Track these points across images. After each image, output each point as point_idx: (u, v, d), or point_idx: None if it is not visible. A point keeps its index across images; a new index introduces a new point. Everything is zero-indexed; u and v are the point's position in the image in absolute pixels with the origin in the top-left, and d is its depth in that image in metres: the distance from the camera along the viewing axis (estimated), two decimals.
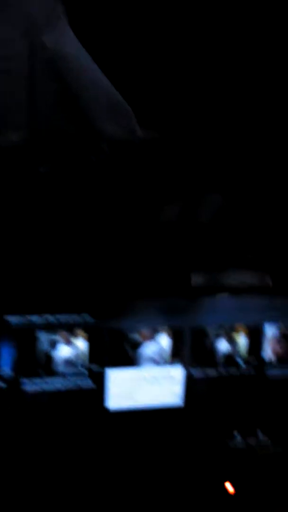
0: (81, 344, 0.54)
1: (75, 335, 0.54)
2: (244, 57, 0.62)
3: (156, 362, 0.55)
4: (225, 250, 0.59)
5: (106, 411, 0.55)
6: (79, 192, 0.58)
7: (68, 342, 0.54)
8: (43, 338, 0.53)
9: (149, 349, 0.55)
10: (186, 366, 0.56)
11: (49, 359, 0.53)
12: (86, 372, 0.54)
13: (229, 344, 0.56)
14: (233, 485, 0.60)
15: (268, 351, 0.57)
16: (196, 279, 0.57)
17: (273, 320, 0.57)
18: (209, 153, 0.62)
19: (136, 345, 0.55)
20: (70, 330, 0.53)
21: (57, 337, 0.53)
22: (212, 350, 0.56)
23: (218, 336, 0.56)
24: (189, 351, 0.56)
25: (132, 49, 0.61)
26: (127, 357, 0.55)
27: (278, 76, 0.62)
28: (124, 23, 0.61)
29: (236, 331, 0.56)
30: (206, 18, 0.61)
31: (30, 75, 0.58)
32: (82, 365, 0.54)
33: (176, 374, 0.56)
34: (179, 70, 0.62)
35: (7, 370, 0.53)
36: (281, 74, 0.62)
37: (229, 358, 0.57)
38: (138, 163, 0.60)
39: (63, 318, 0.53)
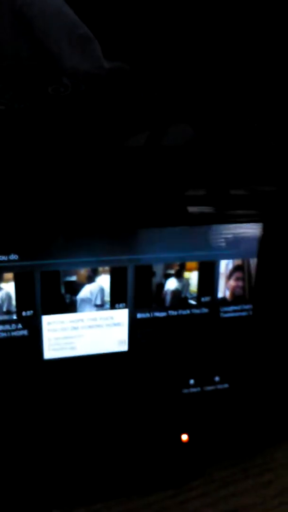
0: (11, 288, 0.48)
1: (4, 279, 0.47)
2: None
3: (97, 305, 0.50)
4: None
5: (42, 360, 0.50)
6: (36, 127, 0.54)
7: None
8: None
9: (88, 291, 0.49)
10: (130, 308, 0.51)
11: None
12: (16, 318, 0.48)
13: (179, 283, 0.51)
14: (188, 433, 0.56)
15: (222, 288, 0.52)
16: None
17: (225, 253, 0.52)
18: (176, 83, 0.59)
19: (74, 288, 0.49)
20: None
21: None
22: (160, 290, 0.51)
23: (166, 274, 0.51)
24: (134, 292, 0.50)
25: None
26: (64, 301, 0.49)
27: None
28: None
29: (186, 268, 0.51)
30: None
31: None
32: (13, 311, 0.48)
33: (120, 318, 0.51)
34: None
35: None
36: None
37: (179, 298, 0.52)
38: (104, 95, 0.57)
39: None
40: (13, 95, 0.56)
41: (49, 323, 0.49)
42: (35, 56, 0.56)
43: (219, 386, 0.56)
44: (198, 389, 0.55)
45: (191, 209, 0.51)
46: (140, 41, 0.59)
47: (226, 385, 0.56)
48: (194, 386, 0.55)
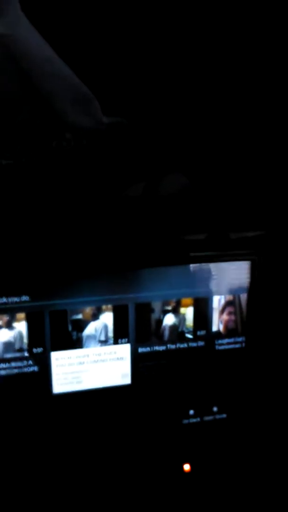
0: (23, 327, 0.52)
1: (16, 319, 0.52)
2: (208, 48, 0.62)
3: (101, 341, 0.54)
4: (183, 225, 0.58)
5: (51, 395, 0.54)
6: (42, 179, 0.58)
7: (9, 327, 0.52)
8: None
9: (93, 328, 0.54)
10: (132, 343, 0.55)
11: None
12: (27, 355, 0.52)
13: (176, 318, 0.55)
14: (190, 463, 0.59)
15: (216, 322, 0.57)
16: None
17: (218, 290, 0.56)
18: (170, 136, 0.63)
19: (80, 325, 0.53)
20: (10, 313, 0.51)
21: None
22: (159, 325, 0.55)
23: (164, 310, 0.55)
24: (135, 327, 0.55)
25: (95, 37, 0.60)
26: (71, 338, 0.53)
27: (238, 64, 0.62)
28: (80, 5, 0.59)
29: (182, 304, 0.55)
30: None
31: None
32: (24, 349, 0.52)
33: (123, 352, 0.55)
34: (142, 57, 0.61)
35: None
36: (241, 61, 0.62)
37: (176, 332, 0.56)
38: (104, 148, 0.60)
39: (2, 301, 0.51)
40: (20, 150, 0.61)
41: (57, 359, 0.53)
42: (40, 114, 0.62)
43: (217, 416, 0.59)
44: (198, 419, 0.58)
45: (184, 250, 0.55)
46: (136, 99, 0.63)
47: (224, 415, 0.59)
48: (194, 416, 0.58)
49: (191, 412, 0.58)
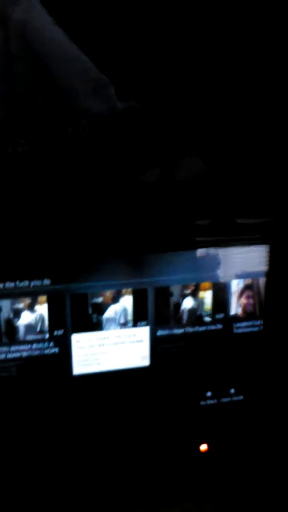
0: (44, 310, 0.53)
1: (38, 302, 0.53)
2: (222, 32, 0.62)
3: (121, 324, 0.55)
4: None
5: (71, 376, 0.55)
6: (59, 165, 0.59)
7: (31, 309, 0.53)
8: (5, 306, 0.52)
9: (113, 311, 0.55)
10: (151, 326, 0.56)
11: (12, 327, 0.52)
12: (48, 337, 0.53)
13: (194, 301, 0.56)
14: (207, 443, 0.60)
15: (234, 305, 0.57)
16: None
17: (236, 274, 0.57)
18: (185, 120, 0.63)
19: (100, 308, 0.54)
20: (32, 297, 0.52)
21: (20, 305, 0.52)
22: (177, 309, 0.56)
23: (182, 294, 0.56)
24: (154, 311, 0.55)
25: (108, 22, 0.60)
26: (91, 320, 0.54)
27: (251, 51, 0.62)
28: None
29: (201, 288, 0.56)
30: None
31: (5, 53, 0.57)
32: (45, 331, 0.53)
33: (142, 335, 0.56)
34: (155, 41, 0.61)
35: None
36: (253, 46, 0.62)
37: (195, 315, 0.57)
38: (118, 134, 0.61)
39: (24, 285, 0.52)
40: (36, 137, 0.62)
41: (77, 341, 0.54)
42: (55, 101, 0.62)
43: (235, 398, 0.60)
44: (215, 401, 0.59)
45: (202, 235, 0.56)
46: (150, 83, 0.64)
47: (241, 397, 0.60)
48: (211, 398, 0.59)
49: (209, 393, 0.59)
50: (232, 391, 0.59)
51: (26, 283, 0.52)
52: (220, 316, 0.57)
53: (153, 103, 0.63)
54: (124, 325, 0.55)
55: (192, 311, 0.56)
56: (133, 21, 0.62)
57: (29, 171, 0.59)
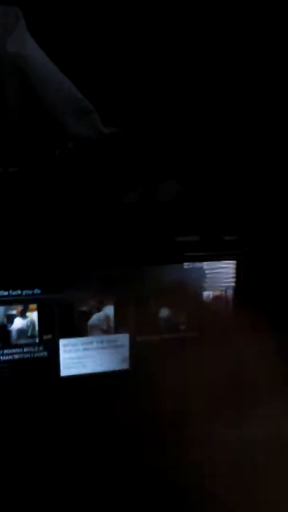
0: (35, 317, 0.58)
1: (29, 309, 0.58)
2: (202, 60, 0.68)
3: (104, 331, 0.61)
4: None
5: (59, 377, 0.60)
6: (46, 185, 0.64)
7: (23, 316, 0.58)
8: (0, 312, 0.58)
9: (97, 319, 0.60)
10: (131, 333, 0.62)
11: (6, 332, 0.58)
12: (38, 341, 0.59)
13: (169, 311, 0.62)
14: None
15: None
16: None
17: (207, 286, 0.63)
18: (165, 146, 0.69)
19: (85, 316, 0.60)
20: (24, 304, 0.58)
21: (13, 311, 0.58)
22: (155, 318, 0.62)
23: (160, 304, 0.62)
24: (134, 319, 0.61)
25: (93, 54, 0.66)
26: (77, 327, 0.60)
27: (230, 72, 0.68)
28: (81, 24, 0.65)
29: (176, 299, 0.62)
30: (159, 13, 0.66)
31: None
32: (36, 336, 0.59)
33: (123, 341, 0.62)
34: (137, 72, 0.67)
35: None
36: (232, 67, 0.68)
37: (170, 324, 0.63)
38: (103, 157, 0.66)
39: (17, 293, 0.58)
40: (26, 158, 0.67)
41: (64, 345, 0.60)
42: (43, 125, 0.67)
43: None
44: None
45: (179, 250, 0.62)
46: (132, 112, 0.68)
47: None
48: None
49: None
50: None
51: (18, 292, 0.58)
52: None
53: (135, 131, 0.69)
54: (106, 331, 0.61)
55: (167, 320, 0.63)
56: (116, 55, 0.67)
57: (19, 189, 0.65)
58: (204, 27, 0.67)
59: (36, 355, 0.59)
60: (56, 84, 0.65)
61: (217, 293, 0.63)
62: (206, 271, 0.63)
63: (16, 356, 0.59)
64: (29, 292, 0.58)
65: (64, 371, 0.60)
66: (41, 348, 0.59)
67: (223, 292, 0.63)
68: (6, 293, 0.57)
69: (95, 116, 0.67)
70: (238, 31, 0.67)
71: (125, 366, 0.62)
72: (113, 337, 0.61)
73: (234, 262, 0.63)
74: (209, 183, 0.70)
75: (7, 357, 0.58)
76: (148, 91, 0.69)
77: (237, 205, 0.68)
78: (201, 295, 0.63)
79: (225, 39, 0.67)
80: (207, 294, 0.63)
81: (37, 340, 0.59)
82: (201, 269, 0.62)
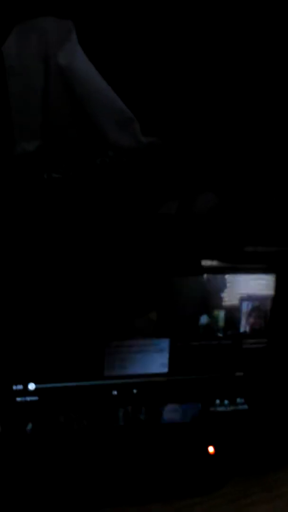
0: None
1: None
2: (240, 70, 0.69)
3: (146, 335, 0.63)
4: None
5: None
6: (87, 193, 0.66)
7: None
8: None
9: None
10: (172, 338, 0.64)
11: None
12: None
13: (210, 319, 0.64)
14: (214, 446, 0.67)
15: (244, 324, 0.66)
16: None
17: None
18: (204, 157, 0.70)
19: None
20: None
21: None
22: (195, 325, 0.64)
23: (200, 312, 0.64)
24: (175, 325, 0.63)
25: (135, 62, 0.67)
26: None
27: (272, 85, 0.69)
28: (124, 34, 0.66)
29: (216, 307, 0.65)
30: (205, 32, 0.68)
31: (45, 90, 0.64)
32: None
33: (163, 345, 0.64)
34: (177, 84, 0.68)
35: None
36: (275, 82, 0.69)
37: (209, 331, 0.65)
38: (141, 166, 0.67)
39: None
40: (68, 165, 0.69)
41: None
42: (86, 134, 0.68)
43: (240, 407, 0.68)
44: (223, 408, 0.67)
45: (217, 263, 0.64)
46: (172, 123, 0.69)
47: (246, 407, 0.68)
48: (219, 405, 0.67)
49: (217, 401, 0.67)
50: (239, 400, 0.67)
51: None
52: (230, 332, 0.65)
53: (173, 140, 0.69)
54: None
55: (207, 327, 0.65)
56: (158, 68, 0.68)
57: (61, 195, 0.66)
58: (244, 40, 0.69)
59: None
60: (101, 95, 0.66)
61: (256, 303, 0.65)
62: (243, 282, 0.65)
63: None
64: None
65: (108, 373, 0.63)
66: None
67: (261, 304, 0.65)
68: None
69: (136, 126, 0.68)
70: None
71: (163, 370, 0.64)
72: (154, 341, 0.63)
73: (274, 274, 0.65)
74: (246, 194, 0.71)
75: None
76: (186, 100, 0.70)
77: (274, 215, 0.70)
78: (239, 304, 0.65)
79: (264, 54, 0.69)
80: (246, 303, 0.65)
81: None
82: (238, 280, 0.64)
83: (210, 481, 0.67)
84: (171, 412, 0.65)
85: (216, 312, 0.64)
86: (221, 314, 0.65)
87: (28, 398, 0.59)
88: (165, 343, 0.63)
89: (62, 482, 0.62)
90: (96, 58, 0.66)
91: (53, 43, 0.64)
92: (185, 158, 0.71)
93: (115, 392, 0.63)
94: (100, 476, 0.64)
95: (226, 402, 0.67)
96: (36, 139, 0.65)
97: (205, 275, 0.63)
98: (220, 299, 0.64)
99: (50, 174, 0.66)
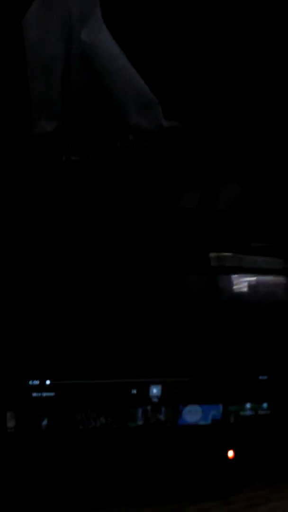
0: None
1: None
2: (263, 55, 0.67)
3: None
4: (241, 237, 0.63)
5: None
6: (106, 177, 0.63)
7: None
8: None
9: None
10: None
11: None
12: None
13: None
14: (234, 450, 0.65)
15: None
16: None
17: None
18: (228, 145, 0.67)
19: None
20: None
21: None
22: None
23: None
24: None
25: (160, 45, 0.65)
26: None
27: None
28: (152, 18, 0.64)
29: None
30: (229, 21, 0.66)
31: (66, 67, 0.62)
32: None
33: None
34: (203, 67, 0.67)
35: None
36: None
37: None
38: (163, 151, 0.65)
39: None
40: (86, 148, 0.66)
41: None
42: (106, 115, 0.66)
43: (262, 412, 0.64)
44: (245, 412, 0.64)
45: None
46: (195, 105, 0.68)
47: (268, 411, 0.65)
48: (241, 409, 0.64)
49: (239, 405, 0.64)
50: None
51: None
52: None
53: (197, 126, 0.68)
54: None
55: None
56: (183, 50, 0.66)
57: (79, 179, 0.63)
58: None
59: None
60: (124, 75, 0.64)
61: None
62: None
63: None
64: None
65: None
66: None
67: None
68: None
69: (158, 109, 0.66)
70: None
71: None
72: None
73: None
74: (272, 184, 0.68)
75: None
76: (212, 84, 0.68)
77: None
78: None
79: None
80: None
81: None
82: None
83: (228, 485, 0.64)
84: (191, 414, 0.62)
85: None
86: None
87: (45, 394, 0.56)
88: None
89: (76, 480, 0.60)
90: (120, 37, 0.64)
91: (77, 18, 0.62)
92: (209, 145, 0.68)
93: (134, 391, 0.60)
94: (115, 476, 0.61)
95: (248, 405, 0.64)
96: (55, 119, 0.63)
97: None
98: None
99: (69, 157, 0.64)
